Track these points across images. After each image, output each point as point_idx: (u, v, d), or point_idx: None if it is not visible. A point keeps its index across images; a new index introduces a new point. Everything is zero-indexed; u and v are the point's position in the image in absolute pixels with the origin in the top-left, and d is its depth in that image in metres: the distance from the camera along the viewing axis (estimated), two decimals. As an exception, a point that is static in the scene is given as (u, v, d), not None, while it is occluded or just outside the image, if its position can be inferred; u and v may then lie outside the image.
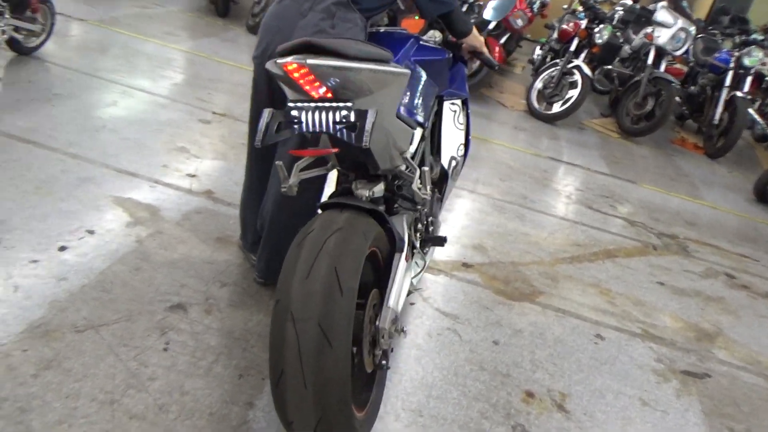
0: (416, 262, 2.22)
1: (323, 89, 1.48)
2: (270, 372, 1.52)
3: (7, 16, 3.89)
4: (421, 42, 2.22)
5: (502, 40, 6.60)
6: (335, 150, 1.64)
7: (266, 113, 1.56)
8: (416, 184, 1.89)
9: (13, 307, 2.06)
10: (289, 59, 1.38)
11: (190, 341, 2.10)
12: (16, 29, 4.08)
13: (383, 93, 1.63)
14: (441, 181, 2.51)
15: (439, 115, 2.47)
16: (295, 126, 1.54)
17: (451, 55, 2.40)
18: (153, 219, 2.77)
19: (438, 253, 3.11)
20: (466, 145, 2.69)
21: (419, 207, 2.11)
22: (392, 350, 1.91)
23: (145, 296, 2.26)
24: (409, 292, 2.15)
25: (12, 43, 4.16)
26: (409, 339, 2.40)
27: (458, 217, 3.62)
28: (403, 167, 1.95)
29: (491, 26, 6.47)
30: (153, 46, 5.49)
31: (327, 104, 1.52)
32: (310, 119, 1.54)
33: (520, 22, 6.55)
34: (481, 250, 3.28)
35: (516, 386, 2.29)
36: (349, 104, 1.52)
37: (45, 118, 3.52)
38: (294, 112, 1.55)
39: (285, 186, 1.85)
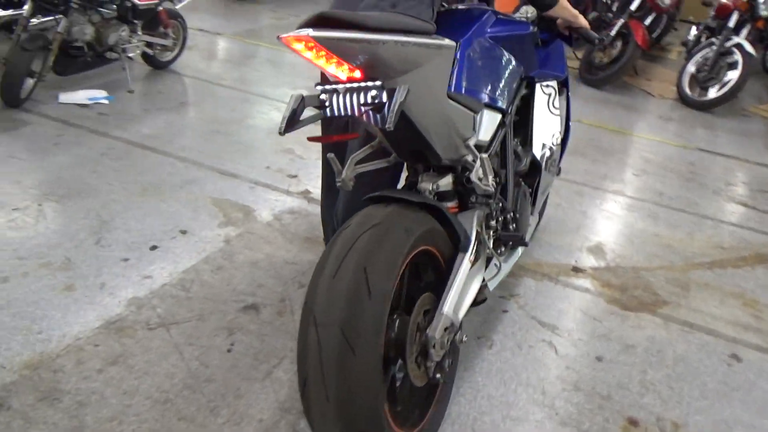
0: (494, 264, 1.98)
1: (345, 67, 1.33)
2: (297, 380, 1.40)
3: (139, 32, 4.19)
4: (499, 17, 1.98)
5: (647, 21, 5.96)
6: (355, 135, 1.48)
7: (293, 98, 1.44)
8: (476, 174, 1.66)
9: (96, 303, 2.14)
10: (291, 34, 1.24)
11: (255, 342, 2.04)
12: (149, 45, 4.38)
13: (424, 69, 1.44)
14: (533, 174, 2.24)
15: (530, 98, 2.21)
16: (324, 110, 1.41)
17: (535, 29, 2.12)
18: (245, 219, 2.78)
19: (543, 255, 2.81)
20: (566, 132, 2.39)
21: (491, 201, 1.87)
22: (451, 362, 1.69)
23: (221, 296, 2.25)
24: (484, 299, 1.91)
25: (146, 58, 4.48)
26: (494, 350, 2.16)
27: (574, 217, 3.26)
28: (469, 157, 1.74)
29: (633, 6, 5.88)
30: (280, 54, 5.67)
31: (356, 85, 1.37)
32: (339, 102, 1.39)
33: (666, 0, 5.89)
34: (598, 253, 2.92)
35: (617, 411, 1.95)
36: (378, 83, 1.35)
37: (167, 125, 3.72)
38: (323, 96, 1.41)
39: (339, 180, 1.72)
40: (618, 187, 3.73)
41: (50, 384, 1.79)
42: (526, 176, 2.25)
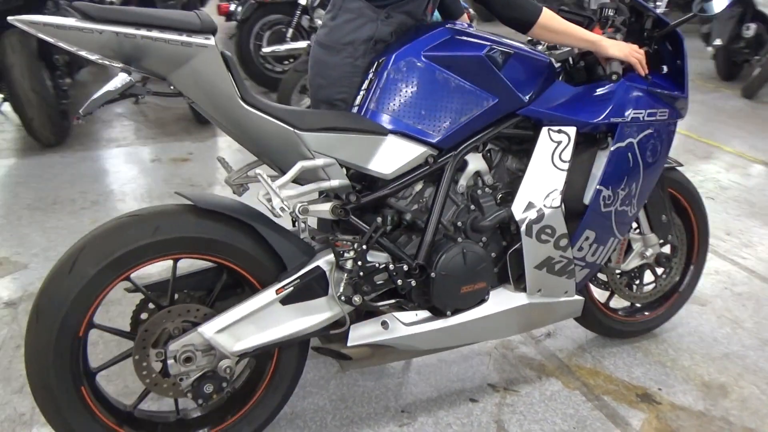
0: (384, 321, 1.66)
1: (97, 57, 1.40)
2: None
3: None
4: (456, 36, 1.67)
5: None
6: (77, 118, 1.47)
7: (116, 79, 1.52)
8: (261, 194, 1.48)
9: None
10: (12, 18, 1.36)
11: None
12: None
13: (191, 68, 1.39)
14: (502, 234, 1.77)
15: (531, 143, 1.76)
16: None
17: (488, 51, 1.65)
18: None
19: (617, 366, 2.09)
20: (595, 197, 1.77)
21: (354, 239, 1.59)
22: (215, 391, 1.53)
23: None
24: (338, 353, 1.64)
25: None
26: (403, 430, 1.79)
27: (712, 329, 2.26)
28: (328, 182, 1.58)
29: None
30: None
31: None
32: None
33: None
34: (711, 391, 2.00)
35: None
36: (124, 75, 1.39)
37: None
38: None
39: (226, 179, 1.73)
40: None
41: None
42: (498, 237, 1.79)
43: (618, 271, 2.09)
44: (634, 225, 2.09)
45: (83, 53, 1.37)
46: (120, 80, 1.38)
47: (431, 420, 1.85)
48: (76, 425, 1.46)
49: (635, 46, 1.77)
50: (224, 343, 1.51)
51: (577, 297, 1.93)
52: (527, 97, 1.71)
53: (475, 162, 1.75)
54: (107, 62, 1.40)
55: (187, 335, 1.49)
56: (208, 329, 1.49)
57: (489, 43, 1.67)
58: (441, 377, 2.02)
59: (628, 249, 2.08)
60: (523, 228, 1.72)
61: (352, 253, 1.59)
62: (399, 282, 1.66)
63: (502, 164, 1.83)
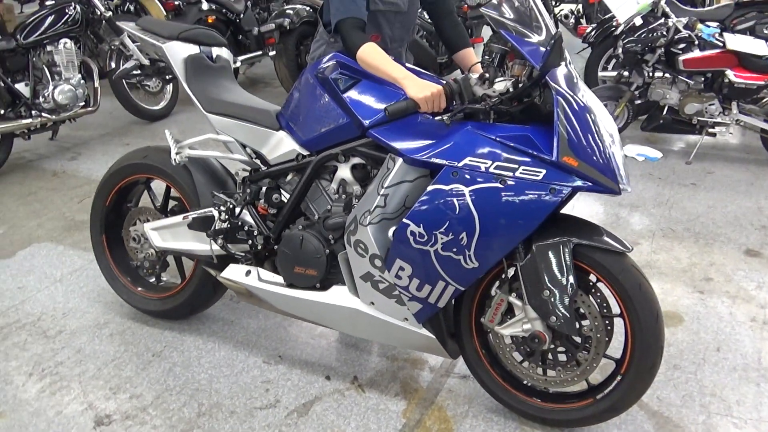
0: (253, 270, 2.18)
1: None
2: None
3: (735, 110, 3.91)
4: (337, 60, 1.98)
5: None
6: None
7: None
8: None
9: None
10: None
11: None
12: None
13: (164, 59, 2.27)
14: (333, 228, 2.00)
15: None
16: None
17: (335, 74, 1.86)
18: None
19: (469, 427, 1.92)
20: (400, 231, 1.79)
21: (228, 200, 2.16)
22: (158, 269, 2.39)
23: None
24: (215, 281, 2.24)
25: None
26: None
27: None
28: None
29: None
30: None
31: None
32: None
33: None
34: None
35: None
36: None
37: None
38: None
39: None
40: None
41: None
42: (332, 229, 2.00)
43: (498, 332, 1.90)
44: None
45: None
46: (131, 63, 2.34)
47: (283, 372, 2.22)
48: (101, 264, 2.56)
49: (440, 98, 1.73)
50: (152, 237, 2.35)
51: (424, 332, 1.94)
52: (368, 121, 1.87)
53: (342, 171, 2.01)
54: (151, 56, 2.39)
55: (139, 225, 2.39)
56: (148, 225, 2.36)
57: (341, 69, 1.92)
58: (336, 353, 2.31)
59: (512, 312, 1.87)
60: (345, 235, 1.92)
61: (224, 209, 2.17)
62: (250, 242, 2.14)
63: None
